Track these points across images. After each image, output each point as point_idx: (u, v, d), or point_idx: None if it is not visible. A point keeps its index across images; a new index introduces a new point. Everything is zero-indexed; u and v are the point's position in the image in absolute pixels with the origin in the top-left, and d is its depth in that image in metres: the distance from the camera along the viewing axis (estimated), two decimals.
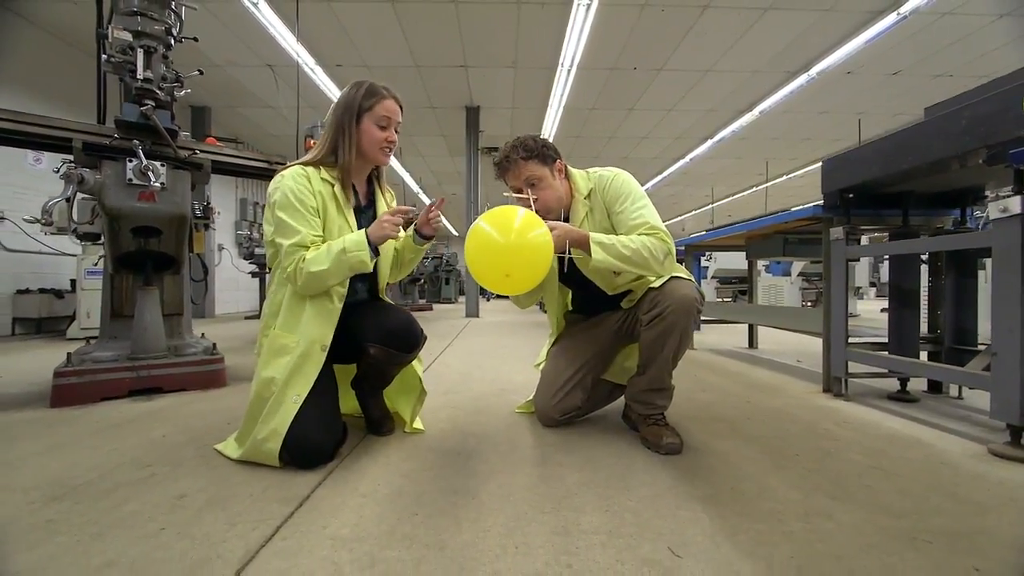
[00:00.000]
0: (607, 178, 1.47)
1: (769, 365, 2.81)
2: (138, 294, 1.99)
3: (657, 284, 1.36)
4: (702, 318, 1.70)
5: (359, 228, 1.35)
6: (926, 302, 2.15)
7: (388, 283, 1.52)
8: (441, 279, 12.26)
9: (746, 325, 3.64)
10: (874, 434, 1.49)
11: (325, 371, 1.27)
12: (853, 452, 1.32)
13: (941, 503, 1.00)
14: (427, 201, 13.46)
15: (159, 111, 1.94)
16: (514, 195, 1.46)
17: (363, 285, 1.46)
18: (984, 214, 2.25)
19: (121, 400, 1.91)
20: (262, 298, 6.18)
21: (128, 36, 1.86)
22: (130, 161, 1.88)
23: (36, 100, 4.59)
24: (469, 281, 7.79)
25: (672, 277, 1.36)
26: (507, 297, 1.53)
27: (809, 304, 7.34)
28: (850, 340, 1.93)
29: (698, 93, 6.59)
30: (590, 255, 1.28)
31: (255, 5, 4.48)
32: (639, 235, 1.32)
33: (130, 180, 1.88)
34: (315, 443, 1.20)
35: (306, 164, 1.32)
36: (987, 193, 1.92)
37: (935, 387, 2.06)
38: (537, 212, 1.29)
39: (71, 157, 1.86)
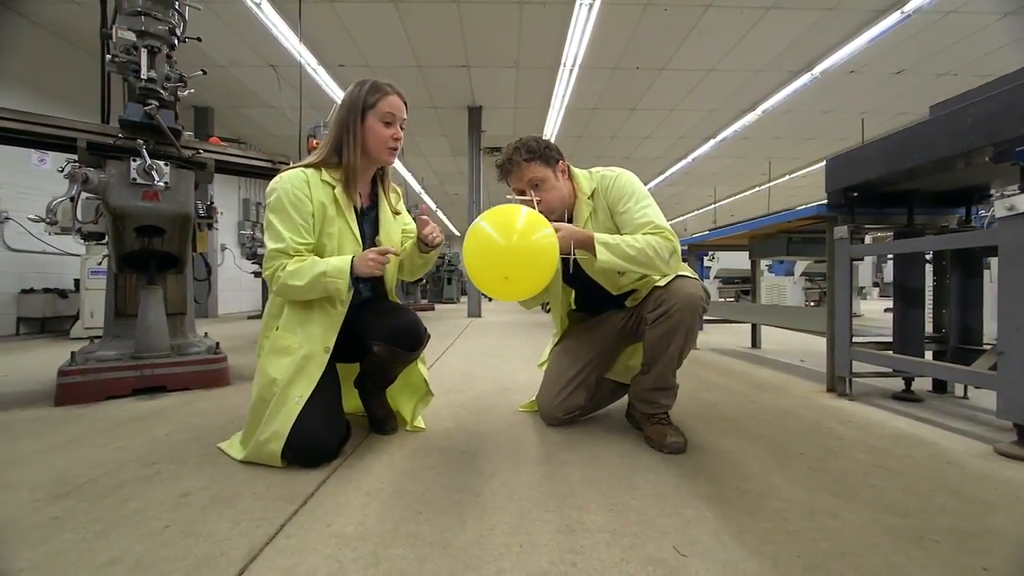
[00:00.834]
0: (610, 178, 1.46)
1: (773, 365, 2.80)
2: (142, 293, 2.00)
3: (663, 283, 1.35)
4: (705, 318, 1.69)
5: (360, 231, 1.35)
6: (931, 301, 2.14)
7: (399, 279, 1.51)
8: (443, 279, 12.26)
9: (749, 325, 3.63)
10: (879, 433, 1.48)
11: (328, 370, 1.27)
12: (858, 451, 1.31)
13: (947, 502, 1.00)
14: (429, 201, 13.49)
15: (163, 111, 1.95)
16: (517, 197, 1.45)
17: (365, 285, 1.45)
18: (989, 213, 2.24)
19: (125, 399, 1.91)
20: (264, 298, 6.19)
21: (132, 36, 1.87)
22: (134, 160, 1.89)
23: (38, 100, 4.61)
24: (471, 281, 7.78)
25: (678, 276, 1.35)
26: None
27: (812, 304, 7.32)
28: (854, 339, 1.92)
29: (701, 92, 6.57)
30: (595, 256, 1.27)
31: (258, 5, 4.48)
32: (644, 234, 1.31)
33: (134, 179, 1.89)
34: (320, 441, 1.20)
35: (308, 166, 1.30)
36: (992, 191, 1.91)
37: (940, 387, 2.05)
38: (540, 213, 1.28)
39: (75, 157, 1.86)
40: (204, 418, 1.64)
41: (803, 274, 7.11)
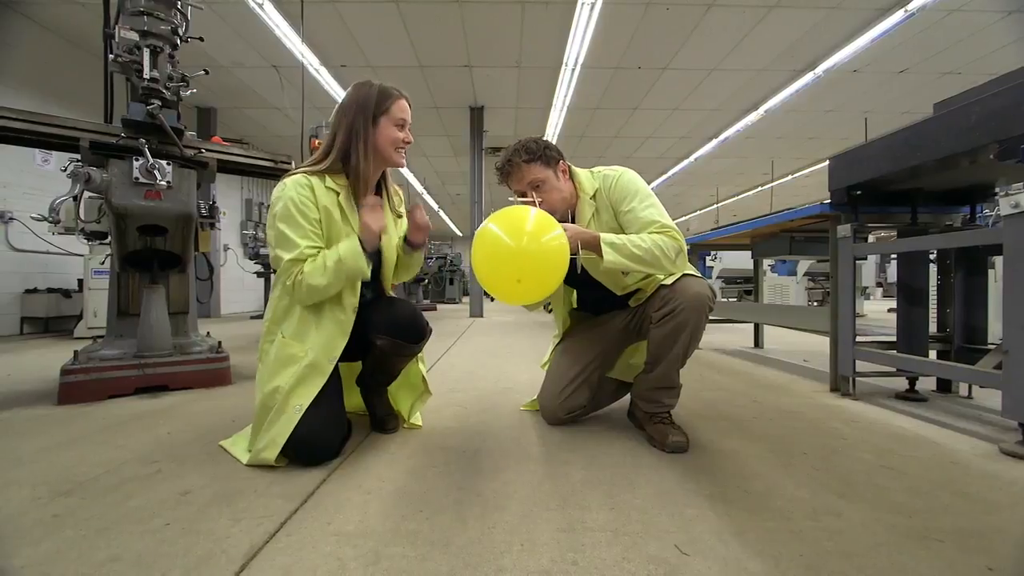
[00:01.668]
0: (612, 177, 1.45)
1: (775, 364, 2.79)
2: (144, 292, 2.00)
3: (669, 281, 1.34)
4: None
5: None
6: (935, 300, 2.12)
7: (392, 284, 1.51)
8: (445, 279, 12.27)
9: (752, 325, 3.61)
10: (883, 433, 1.47)
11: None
12: (861, 451, 1.30)
13: (952, 502, 0.99)
14: (431, 202, 13.50)
15: (165, 110, 1.95)
16: (518, 199, 1.43)
17: (366, 287, 1.44)
18: (994, 211, 2.23)
19: (127, 398, 1.92)
20: (267, 298, 6.21)
21: (135, 36, 1.87)
22: (137, 160, 1.89)
23: (42, 100, 4.63)
24: (473, 281, 7.79)
25: (684, 275, 1.34)
26: None
27: (815, 304, 7.29)
28: (858, 339, 1.91)
29: (703, 92, 6.55)
30: (601, 256, 1.26)
31: (260, 6, 4.49)
32: (650, 233, 1.30)
33: (137, 179, 1.89)
34: (321, 439, 1.20)
35: (311, 172, 1.27)
36: (997, 189, 1.89)
37: (944, 386, 2.04)
38: None
39: (79, 156, 1.87)
40: (206, 417, 1.65)
41: (806, 274, 7.09)
